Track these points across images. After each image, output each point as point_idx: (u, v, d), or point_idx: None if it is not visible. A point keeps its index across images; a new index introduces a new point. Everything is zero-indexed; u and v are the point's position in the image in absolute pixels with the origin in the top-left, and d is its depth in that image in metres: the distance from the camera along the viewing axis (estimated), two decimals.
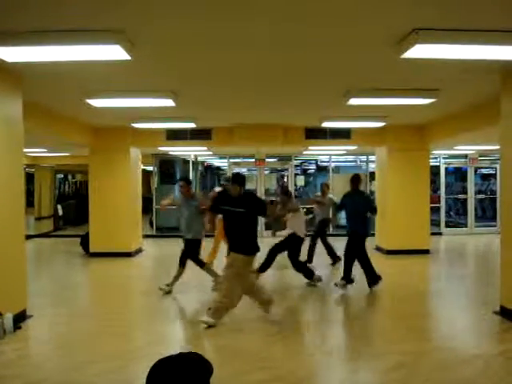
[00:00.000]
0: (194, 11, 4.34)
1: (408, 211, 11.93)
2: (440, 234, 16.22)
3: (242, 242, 6.28)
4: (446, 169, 17.30)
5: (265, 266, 8.66)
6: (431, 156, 13.57)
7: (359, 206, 8.25)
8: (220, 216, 8.13)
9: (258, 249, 6.36)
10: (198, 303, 7.86)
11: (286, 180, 18.38)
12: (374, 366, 5.07)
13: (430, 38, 4.71)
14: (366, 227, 8.38)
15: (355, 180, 8.44)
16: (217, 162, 21.16)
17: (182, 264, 8.23)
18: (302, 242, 8.59)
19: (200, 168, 19.24)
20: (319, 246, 10.66)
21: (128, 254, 11.86)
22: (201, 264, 8.31)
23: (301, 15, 4.43)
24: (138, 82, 7.19)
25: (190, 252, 8.18)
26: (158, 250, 14.02)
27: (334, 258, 10.72)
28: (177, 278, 8.26)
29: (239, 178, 6.48)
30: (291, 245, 8.54)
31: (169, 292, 8.11)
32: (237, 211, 6.22)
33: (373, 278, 8.21)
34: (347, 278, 8.22)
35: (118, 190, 11.95)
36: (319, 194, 11.13)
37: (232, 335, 5.97)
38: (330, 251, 10.80)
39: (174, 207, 9.00)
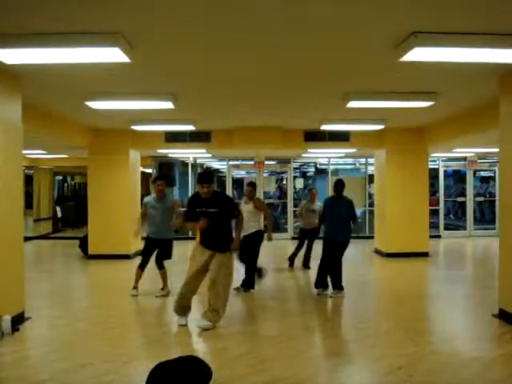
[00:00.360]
0: (194, 14, 4.35)
1: (407, 214, 11.93)
2: (439, 236, 16.23)
3: (218, 241, 6.26)
4: (445, 171, 17.32)
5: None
6: (430, 159, 13.58)
7: (341, 212, 7.97)
8: None
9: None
10: (197, 304, 7.85)
11: (284, 182, 18.39)
12: (372, 368, 5.06)
13: (428, 41, 4.73)
14: (348, 234, 8.08)
15: (338, 185, 8.12)
16: (216, 165, 21.16)
17: (161, 266, 8.30)
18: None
19: (199, 170, 19.23)
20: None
21: (127, 256, 11.85)
22: (162, 266, 8.34)
23: (300, 18, 4.44)
24: (137, 85, 7.20)
25: (168, 252, 8.29)
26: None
27: (307, 263, 10.67)
28: (165, 279, 8.30)
29: (210, 177, 6.40)
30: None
31: (167, 294, 8.12)
32: (210, 211, 6.17)
33: (338, 287, 8.05)
34: (339, 286, 8.03)
35: (117, 192, 11.95)
36: (305, 201, 11.03)
37: (231, 338, 5.96)
38: (308, 255, 10.73)
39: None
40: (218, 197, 6.35)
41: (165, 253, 8.29)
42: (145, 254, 8.37)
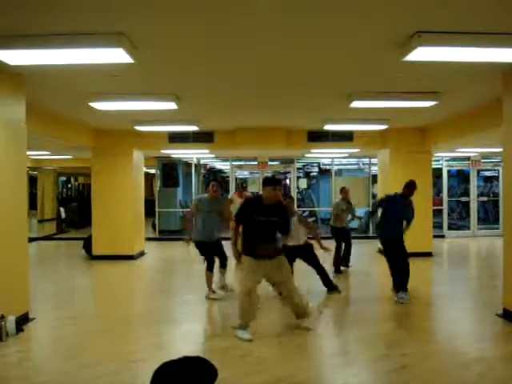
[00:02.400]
0: (197, 15, 4.35)
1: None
2: (443, 236, 16.17)
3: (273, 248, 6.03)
4: (449, 171, 17.28)
5: None
6: (433, 158, 13.55)
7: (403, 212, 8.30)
8: None
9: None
10: (201, 305, 7.86)
11: (288, 182, 18.38)
12: (375, 368, 5.05)
13: (432, 40, 4.72)
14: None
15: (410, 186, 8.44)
16: (219, 165, 21.19)
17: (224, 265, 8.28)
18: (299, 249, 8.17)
19: (202, 171, 19.25)
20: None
21: (131, 257, 11.88)
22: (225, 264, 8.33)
23: (303, 17, 4.44)
24: (140, 85, 7.21)
25: (223, 251, 8.19)
26: (160, 253, 14.02)
27: (347, 264, 10.62)
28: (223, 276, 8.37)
29: (279, 181, 6.35)
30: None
31: (224, 287, 8.27)
32: (270, 221, 5.92)
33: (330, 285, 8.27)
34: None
35: (121, 192, 11.97)
36: (338, 201, 10.83)
37: (234, 338, 5.96)
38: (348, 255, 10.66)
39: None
40: (280, 206, 6.11)
41: (222, 251, 8.22)
42: (207, 256, 8.10)
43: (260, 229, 5.91)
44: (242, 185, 11.69)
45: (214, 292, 8.07)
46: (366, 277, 10.26)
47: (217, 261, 8.24)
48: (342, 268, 10.34)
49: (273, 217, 5.92)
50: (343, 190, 10.68)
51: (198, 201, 8.28)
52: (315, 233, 8.62)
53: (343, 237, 10.50)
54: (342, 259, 10.45)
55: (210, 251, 8.06)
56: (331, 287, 8.31)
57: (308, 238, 8.33)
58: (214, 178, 9.27)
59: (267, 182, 6.06)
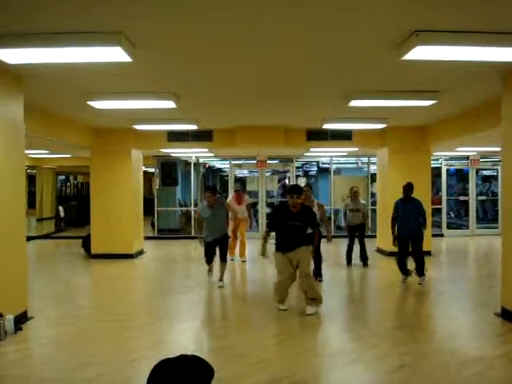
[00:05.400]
0: (196, 13, 4.34)
1: None
2: (441, 235, 16.19)
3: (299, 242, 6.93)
4: (448, 170, 17.29)
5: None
6: (432, 158, 13.56)
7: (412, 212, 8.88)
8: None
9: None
10: (200, 304, 7.87)
11: (287, 181, 18.38)
12: (375, 367, 5.06)
13: (430, 39, 4.73)
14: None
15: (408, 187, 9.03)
16: (218, 164, 21.17)
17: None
18: None
19: (201, 170, 19.25)
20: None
21: (129, 256, 11.88)
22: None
23: (303, 16, 4.44)
24: (139, 84, 7.21)
25: (226, 245, 9.15)
26: (159, 251, 14.02)
27: (365, 261, 10.94)
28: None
29: (301, 190, 7.08)
30: None
31: (221, 281, 8.92)
32: (296, 225, 6.85)
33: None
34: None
35: (120, 191, 11.97)
36: (348, 201, 11.20)
37: (233, 337, 5.97)
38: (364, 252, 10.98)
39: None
40: (305, 211, 7.00)
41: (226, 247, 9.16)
42: (209, 253, 9.02)
43: (288, 231, 6.92)
44: (237, 189, 12.01)
45: (210, 271, 9.15)
46: (365, 276, 10.26)
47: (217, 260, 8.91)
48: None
49: (298, 222, 6.86)
50: (351, 191, 11.07)
51: (201, 211, 9.09)
52: (327, 227, 9.39)
53: (354, 234, 10.94)
54: (361, 258, 10.91)
55: (215, 246, 8.91)
56: (318, 275, 9.09)
57: None
58: (207, 186, 9.63)
59: (290, 190, 7.03)
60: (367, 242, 10.90)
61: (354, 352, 5.59)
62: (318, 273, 9.09)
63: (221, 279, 8.89)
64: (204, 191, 9.64)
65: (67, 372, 4.83)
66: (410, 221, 8.79)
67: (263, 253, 7.27)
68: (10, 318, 5.84)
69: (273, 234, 7.18)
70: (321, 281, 9.06)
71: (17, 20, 4.40)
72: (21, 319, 6.27)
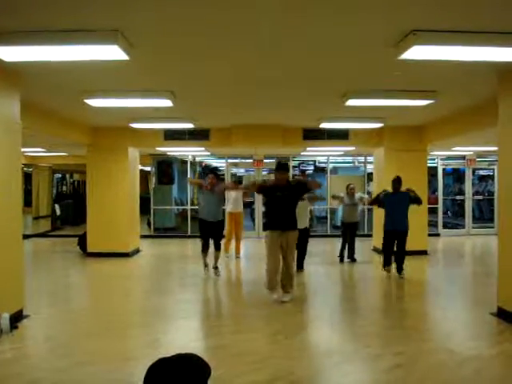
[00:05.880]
0: (193, 11, 4.34)
1: None
2: (438, 235, 16.23)
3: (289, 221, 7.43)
4: (444, 170, 17.33)
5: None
6: (429, 157, 13.58)
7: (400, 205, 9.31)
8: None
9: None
10: (197, 303, 7.86)
11: None
12: (371, 366, 5.07)
13: (427, 39, 4.73)
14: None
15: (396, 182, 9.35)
16: (215, 163, 21.17)
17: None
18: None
19: (198, 168, 19.23)
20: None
21: (126, 255, 11.86)
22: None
23: (300, 15, 4.43)
24: (136, 83, 7.19)
25: (220, 233, 9.63)
26: (155, 250, 14.01)
27: (352, 256, 11.22)
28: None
29: (286, 167, 7.85)
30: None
31: (216, 269, 9.45)
32: (286, 195, 7.34)
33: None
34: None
35: (116, 190, 11.94)
36: (345, 196, 11.39)
37: (231, 336, 5.97)
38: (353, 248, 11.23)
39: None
40: (290, 183, 7.72)
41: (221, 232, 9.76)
42: (205, 238, 9.55)
43: (278, 204, 7.38)
44: (235, 181, 12.10)
45: (206, 266, 9.43)
46: (360, 274, 10.28)
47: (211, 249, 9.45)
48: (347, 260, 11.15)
49: (287, 191, 7.34)
50: (348, 187, 11.26)
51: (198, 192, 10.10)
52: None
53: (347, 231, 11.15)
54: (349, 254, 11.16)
55: (209, 232, 9.36)
56: (300, 267, 9.84)
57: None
58: (211, 169, 10.16)
59: (278, 167, 7.61)
60: (362, 240, 10.91)
61: (350, 351, 5.60)
62: (299, 264, 9.77)
63: (215, 267, 9.40)
64: (208, 173, 10.35)
65: (63, 371, 4.81)
66: (396, 215, 9.07)
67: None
68: (5, 317, 5.82)
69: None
70: (301, 271, 9.80)
71: (13, 18, 4.38)
72: (17, 318, 6.25)
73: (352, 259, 11.11)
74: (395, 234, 9.15)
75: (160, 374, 1.70)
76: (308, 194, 8.88)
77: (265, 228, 7.64)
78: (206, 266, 9.44)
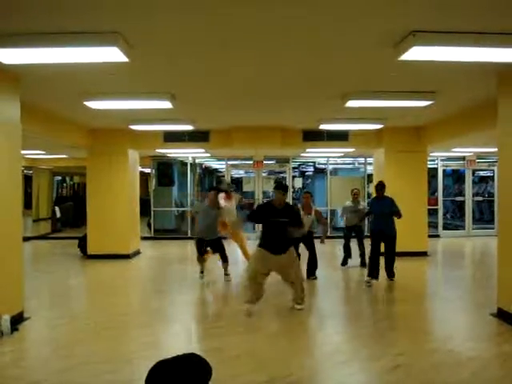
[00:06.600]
0: (193, 13, 4.34)
1: (405, 213, 11.83)
2: (438, 236, 16.22)
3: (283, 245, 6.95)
4: (444, 171, 17.33)
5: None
6: (429, 158, 13.58)
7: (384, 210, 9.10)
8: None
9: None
10: (197, 304, 7.86)
11: (283, 182, 18.38)
12: (370, 367, 5.06)
13: (427, 40, 4.73)
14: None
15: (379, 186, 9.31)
16: (215, 164, 21.16)
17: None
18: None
19: (198, 170, 19.23)
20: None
21: (126, 256, 11.86)
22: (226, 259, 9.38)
23: (300, 17, 4.44)
24: (135, 84, 7.20)
25: (222, 248, 9.32)
26: (155, 252, 14.00)
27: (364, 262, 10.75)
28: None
29: (286, 187, 7.14)
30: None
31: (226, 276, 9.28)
32: (281, 221, 6.85)
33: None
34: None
35: (116, 192, 11.94)
36: (349, 203, 11.06)
37: (230, 337, 5.96)
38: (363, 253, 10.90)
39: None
40: (288, 208, 7.16)
41: (220, 248, 9.41)
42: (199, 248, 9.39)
43: (273, 228, 6.92)
44: (228, 190, 10.79)
45: (202, 273, 9.34)
46: (361, 276, 10.26)
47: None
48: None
49: (282, 218, 6.86)
50: (352, 192, 11.03)
51: (196, 207, 9.98)
52: (324, 229, 10.14)
53: (351, 233, 10.93)
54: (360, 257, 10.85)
55: (205, 245, 9.28)
56: (312, 274, 9.46)
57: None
58: (215, 186, 10.02)
59: (277, 186, 7.05)
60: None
61: (350, 352, 5.60)
62: (311, 272, 9.44)
63: (226, 273, 9.28)
64: (210, 189, 10.24)
65: (63, 372, 4.81)
66: (382, 219, 9.00)
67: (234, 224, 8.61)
68: (6, 319, 5.83)
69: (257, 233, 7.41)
70: (315, 279, 9.42)
71: (13, 20, 4.39)
72: (17, 320, 6.25)
73: (363, 265, 10.47)
74: (382, 236, 9.03)
75: (162, 374, 1.70)
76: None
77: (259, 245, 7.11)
78: (201, 271, 9.42)
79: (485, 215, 18.34)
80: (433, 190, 17.29)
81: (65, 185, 24.43)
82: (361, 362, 5.26)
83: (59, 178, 22.97)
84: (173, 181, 17.79)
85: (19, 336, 5.96)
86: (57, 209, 18.78)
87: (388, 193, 9.29)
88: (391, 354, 5.27)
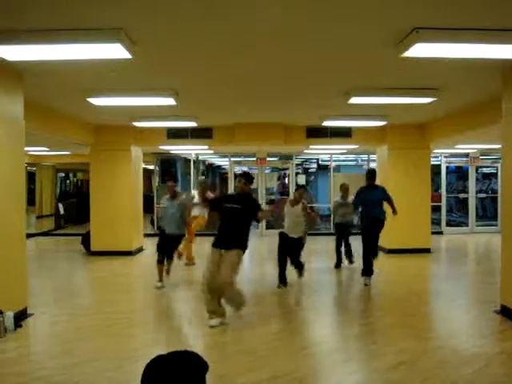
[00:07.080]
0: (196, 10, 4.33)
1: (409, 210, 11.86)
2: (441, 233, 16.20)
3: (238, 239, 6.30)
4: (447, 168, 17.29)
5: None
6: (432, 155, 13.55)
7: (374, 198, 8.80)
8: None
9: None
10: (199, 301, 7.86)
11: (286, 181, 18.36)
12: (373, 364, 5.06)
13: (430, 36, 4.71)
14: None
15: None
16: (218, 161, 21.16)
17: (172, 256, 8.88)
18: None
19: (201, 167, 19.24)
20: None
21: (129, 253, 11.88)
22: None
23: (302, 12, 4.42)
24: (139, 81, 7.19)
25: (176, 245, 8.90)
26: None
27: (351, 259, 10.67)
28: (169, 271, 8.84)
29: (250, 177, 6.73)
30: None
31: (162, 287, 8.43)
32: (234, 207, 6.33)
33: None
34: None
35: (120, 188, 11.96)
36: (338, 198, 10.84)
37: (231, 334, 5.97)
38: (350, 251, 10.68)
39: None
40: (246, 197, 6.57)
41: (174, 246, 8.98)
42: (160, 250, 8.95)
43: (226, 216, 6.40)
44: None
45: (160, 281, 8.51)
46: (357, 275, 10.26)
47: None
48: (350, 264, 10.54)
49: (236, 204, 6.35)
50: (342, 187, 10.62)
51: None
52: (314, 221, 9.91)
53: (342, 233, 10.49)
54: (347, 256, 10.55)
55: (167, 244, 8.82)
56: (300, 270, 8.82)
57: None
58: (170, 173, 9.43)
59: (241, 174, 6.87)
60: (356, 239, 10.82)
61: (353, 349, 5.61)
62: (298, 268, 8.82)
63: (160, 280, 8.53)
64: (167, 180, 9.60)
65: (66, 369, 4.83)
66: (371, 207, 8.70)
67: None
68: (9, 315, 5.84)
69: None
70: (302, 275, 8.84)
71: (16, 17, 4.39)
72: (21, 316, 6.27)
73: (350, 261, 10.51)
74: (376, 222, 8.73)
75: (157, 371, 1.70)
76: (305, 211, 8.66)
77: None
78: (160, 280, 8.59)
79: (488, 212, 18.31)
80: (436, 187, 17.27)
81: (68, 181, 24.47)
82: (364, 359, 5.27)
83: (63, 174, 23.01)
84: (176, 177, 17.79)
85: (23, 332, 5.98)
86: (60, 205, 18.82)
87: (391, 189, 9.27)
88: (395, 351, 5.27)
